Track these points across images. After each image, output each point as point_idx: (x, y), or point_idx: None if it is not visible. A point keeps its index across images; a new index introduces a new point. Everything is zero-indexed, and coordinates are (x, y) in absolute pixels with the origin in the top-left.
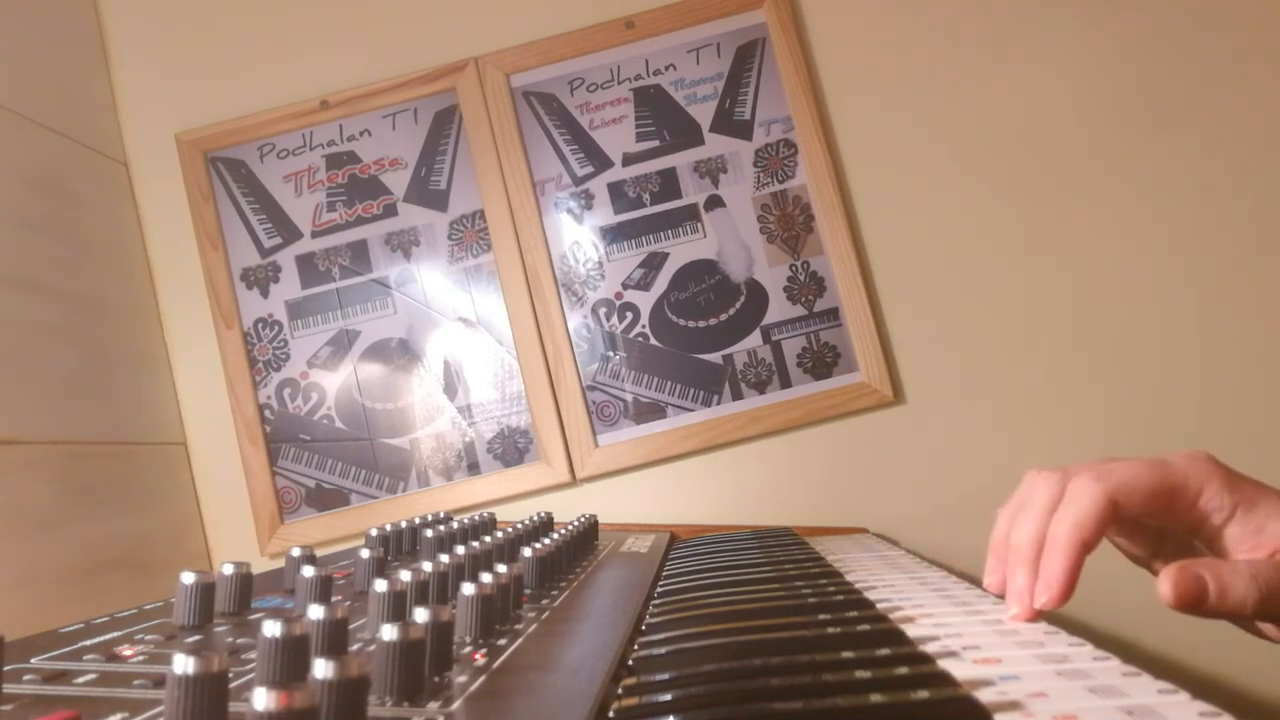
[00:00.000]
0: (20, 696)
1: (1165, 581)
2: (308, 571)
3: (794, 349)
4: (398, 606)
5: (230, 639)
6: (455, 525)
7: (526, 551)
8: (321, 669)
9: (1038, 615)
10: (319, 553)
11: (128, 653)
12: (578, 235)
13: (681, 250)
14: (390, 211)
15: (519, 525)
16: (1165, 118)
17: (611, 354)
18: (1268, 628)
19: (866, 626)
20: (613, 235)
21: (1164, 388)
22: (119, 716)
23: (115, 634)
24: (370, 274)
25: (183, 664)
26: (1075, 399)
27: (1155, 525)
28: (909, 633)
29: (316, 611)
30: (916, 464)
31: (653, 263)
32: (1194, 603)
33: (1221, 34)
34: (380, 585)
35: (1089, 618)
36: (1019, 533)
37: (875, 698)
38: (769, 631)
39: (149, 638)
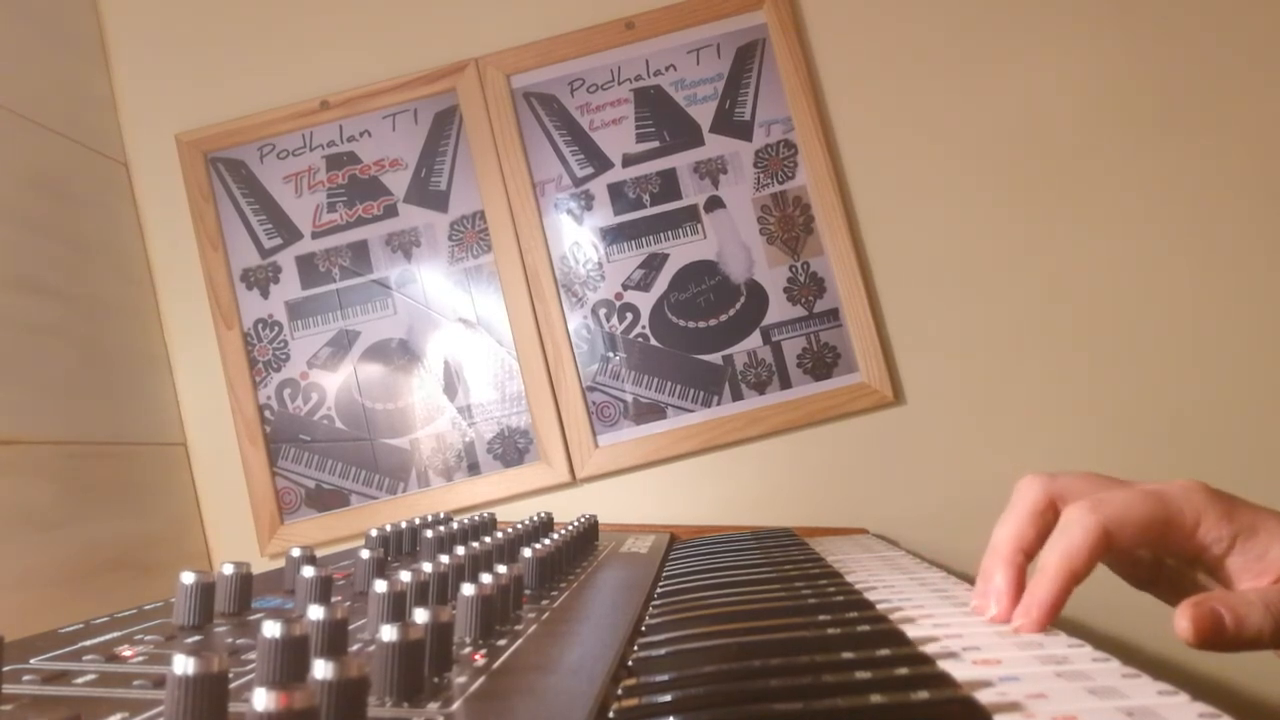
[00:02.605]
0: (20, 696)
1: (1183, 619)
2: (308, 572)
3: (794, 350)
4: (398, 607)
5: (230, 639)
6: (455, 526)
7: (526, 552)
8: (321, 669)
9: (1008, 619)
10: (319, 553)
11: (128, 653)
12: (578, 236)
13: (681, 251)
14: (390, 212)
15: (519, 526)
16: (1165, 119)
17: (611, 354)
18: None
19: (866, 627)
20: (613, 236)
21: (1164, 389)
22: (119, 717)
23: (115, 634)
24: (370, 275)
25: (183, 664)
26: (1075, 400)
27: (1152, 554)
28: (909, 633)
29: (316, 612)
30: (916, 464)
31: (653, 263)
32: (1213, 637)
33: (1221, 37)
34: (380, 586)
35: (1089, 619)
36: (998, 531)
37: (875, 698)
38: (769, 632)
39: (149, 638)
